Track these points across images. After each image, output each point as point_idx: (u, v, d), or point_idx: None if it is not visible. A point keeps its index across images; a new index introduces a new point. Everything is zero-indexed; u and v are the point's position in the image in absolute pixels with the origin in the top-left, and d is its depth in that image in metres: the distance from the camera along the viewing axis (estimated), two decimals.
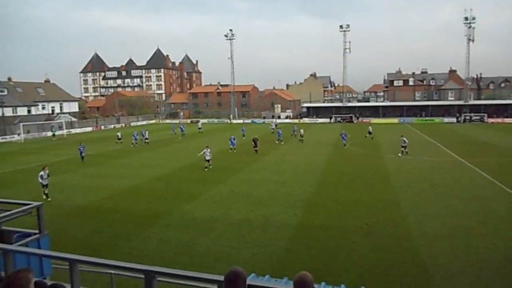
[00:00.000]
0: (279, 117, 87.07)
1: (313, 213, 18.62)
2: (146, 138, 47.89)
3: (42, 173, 22.26)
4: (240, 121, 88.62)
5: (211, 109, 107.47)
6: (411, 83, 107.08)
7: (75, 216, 19.03)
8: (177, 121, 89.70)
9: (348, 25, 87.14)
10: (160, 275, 4.47)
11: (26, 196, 20.70)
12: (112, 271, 9.65)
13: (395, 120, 77.74)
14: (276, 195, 22.00)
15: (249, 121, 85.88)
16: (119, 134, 49.56)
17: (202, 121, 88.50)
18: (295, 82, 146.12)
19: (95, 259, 4.89)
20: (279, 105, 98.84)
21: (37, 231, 9.60)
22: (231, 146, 39.20)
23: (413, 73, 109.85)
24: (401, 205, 19.61)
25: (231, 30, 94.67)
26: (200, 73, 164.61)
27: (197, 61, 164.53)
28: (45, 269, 8.83)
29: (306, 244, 14.70)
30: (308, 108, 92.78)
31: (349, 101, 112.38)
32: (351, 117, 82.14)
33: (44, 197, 21.40)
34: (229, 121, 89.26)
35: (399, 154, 32.83)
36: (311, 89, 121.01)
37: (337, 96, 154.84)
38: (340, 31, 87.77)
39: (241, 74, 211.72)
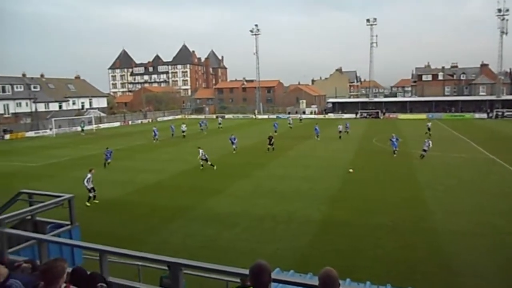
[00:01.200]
0: (304, 113, 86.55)
1: (338, 209, 18.54)
2: (183, 131, 50.19)
3: (89, 175, 20.15)
4: (265, 116, 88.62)
5: (236, 104, 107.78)
6: (440, 77, 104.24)
7: (103, 209, 19.57)
8: (202, 116, 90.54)
9: (375, 19, 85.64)
10: (185, 267, 4.61)
11: (56, 189, 21.38)
12: (140, 263, 9.95)
13: (423, 116, 75.93)
14: (300, 190, 21.98)
15: (274, 116, 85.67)
16: (155, 129, 49.96)
17: (227, 116, 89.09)
18: (321, 77, 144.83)
19: (124, 250, 5.08)
20: (304, 101, 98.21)
21: (68, 222, 10.00)
22: (233, 146, 36.35)
23: (443, 67, 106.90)
24: (428, 202, 19.27)
25: (256, 25, 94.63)
26: (225, 68, 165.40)
27: (222, 57, 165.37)
28: (76, 258, 9.18)
29: (330, 240, 14.68)
30: (333, 103, 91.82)
31: (375, 96, 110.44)
32: (377, 112, 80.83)
33: (90, 203, 19.97)
34: (254, 117, 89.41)
35: (422, 154, 30.67)
36: (336, 84, 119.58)
37: (363, 91, 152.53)
38: (367, 25, 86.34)
39: (267, 70, 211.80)
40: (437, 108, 79.40)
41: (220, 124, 64.46)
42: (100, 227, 16.32)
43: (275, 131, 50.47)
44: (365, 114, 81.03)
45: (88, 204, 19.86)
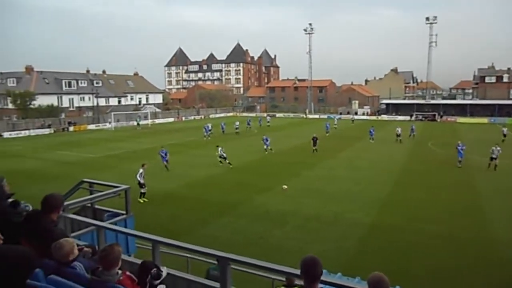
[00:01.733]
0: (356, 113, 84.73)
1: (388, 214, 18.01)
2: (236, 128, 52.30)
3: (141, 170, 20.22)
4: (316, 116, 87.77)
5: (288, 103, 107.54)
6: (505, 79, 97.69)
7: (155, 201, 20.26)
8: (253, 114, 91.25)
9: (435, 17, 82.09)
10: (234, 262, 4.70)
11: (113, 179, 22.39)
12: (188, 255, 10.24)
13: (484, 120, 71.69)
14: (349, 192, 21.60)
15: (325, 116, 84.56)
16: (209, 125, 51.45)
17: (278, 115, 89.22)
18: (375, 78, 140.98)
19: (176, 242, 5.26)
20: (357, 101, 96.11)
21: (124, 212, 10.51)
22: (265, 147, 35.11)
23: (509, 68, 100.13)
24: (486, 210, 18.23)
25: (310, 24, 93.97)
26: (278, 67, 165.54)
27: (275, 56, 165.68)
28: (130, 247, 9.63)
29: (379, 245, 14.30)
30: (387, 104, 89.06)
31: (432, 98, 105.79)
32: (434, 115, 77.19)
33: (142, 200, 19.97)
34: (305, 116, 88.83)
35: (494, 163, 27.47)
36: (391, 85, 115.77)
37: (420, 93, 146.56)
38: (426, 23, 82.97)
39: (319, 69, 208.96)
40: (501, 112, 74.45)
41: (268, 122, 64.25)
42: (152, 218, 16.95)
43: (327, 132, 49.78)
44: (420, 117, 77.72)
45: (140, 200, 19.86)
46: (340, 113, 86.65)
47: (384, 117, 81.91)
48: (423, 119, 76.54)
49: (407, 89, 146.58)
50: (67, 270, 3.73)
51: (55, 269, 3.68)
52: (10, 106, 63.20)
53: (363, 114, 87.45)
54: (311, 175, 26.21)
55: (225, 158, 29.12)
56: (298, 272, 4.20)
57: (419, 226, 16.23)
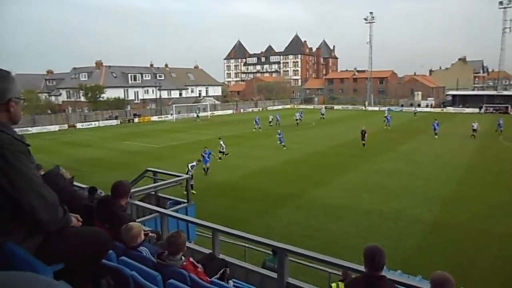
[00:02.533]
0: (418, 105, 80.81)
1: (452, 212, 17.17)
2: (296, 119, 52.94)
3: (194, 163, 21.18)
4: (376, 108, 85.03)
5: (346, 95, 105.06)
6: None
7: (213, 191, 20.88)
8: (311, 106, 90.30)
9: (510, 1, 75.71)
10: (291, 253, 4.77)
11: (173, 169, 23.26)
12: (246, 244, 10.48)
13: None
14: (410, 188, 20.85)
15: (385, 108, 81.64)
16: (270, 117, 52.29)
17: (336, 107, 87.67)
18: (440, 68, 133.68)
19: (235, 231, 5.43)
20: (420, 93, 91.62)
21: (185, 200, 10.96)
22: (278, 142, 33.57)
23: None
24: None
25: (371, 12, 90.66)
26: (336, 58, 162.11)
27: (334, 47, 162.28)
28: (191, 234, 10.04)
29: (441, 244, 13.71)
30: (453, 96, 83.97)
31: (505, 89, 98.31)
32: (507, 107, 71.55)
33: (194, 191, 18.90)
34: (364, 108, 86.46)
35: None
36: (458, 75, 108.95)
37: (491, 83, 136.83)
38: (500, 8, 76.86)
39: (379, 59, 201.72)
40: None
41: (323, 115, 61.38)
42: (210, 208, 17.37)
43: (387, 125, 48.06)
44: (491, 109, 72.47)
45: (194, 192, 18.88)
46: (402, 105, 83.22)
47: (450, 109, 77.44)
48: (494, 111, 71.27)
49: (476, 79, 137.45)
50: (134, 253, 4.00)
51: (124, 252, 3.97)
52: (82, 99, 67.66)
53: (427, 106, 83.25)
54: (369, 169, 25.57)
55: (223, 153, 28.86)
56: (356, 266, 4.19)
57: (486, 226, 15.31)
